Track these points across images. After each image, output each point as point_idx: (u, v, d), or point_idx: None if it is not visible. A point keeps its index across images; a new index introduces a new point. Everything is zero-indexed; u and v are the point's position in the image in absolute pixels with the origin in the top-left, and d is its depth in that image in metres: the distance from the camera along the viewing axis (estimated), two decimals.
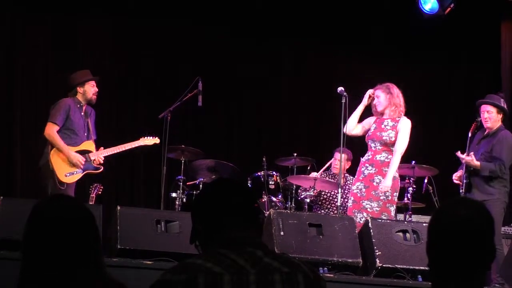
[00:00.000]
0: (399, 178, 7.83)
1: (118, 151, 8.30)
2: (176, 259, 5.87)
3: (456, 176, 8.11)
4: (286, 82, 11.48)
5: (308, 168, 9.59)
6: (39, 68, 10.23)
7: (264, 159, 9.40)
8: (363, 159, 7.90)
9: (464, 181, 7.98)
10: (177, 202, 8.80)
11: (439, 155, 9.93)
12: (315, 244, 6.60)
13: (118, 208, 6.48)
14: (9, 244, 5.73)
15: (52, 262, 2.55)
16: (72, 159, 7.91)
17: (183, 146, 9.07)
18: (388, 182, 7.59)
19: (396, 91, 7.90)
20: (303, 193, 9.15)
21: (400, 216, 9.18)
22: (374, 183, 7.68)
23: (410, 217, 8.83)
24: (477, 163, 7.88)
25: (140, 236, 6.35)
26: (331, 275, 6.30)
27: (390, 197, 7.63)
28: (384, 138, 7.79)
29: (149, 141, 8.47)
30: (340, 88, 7.95)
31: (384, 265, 6.56)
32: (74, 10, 10.34)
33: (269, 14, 11.06)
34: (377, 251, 6.62)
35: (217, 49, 10.96)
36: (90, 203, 8.27)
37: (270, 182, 9.31)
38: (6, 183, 9.78)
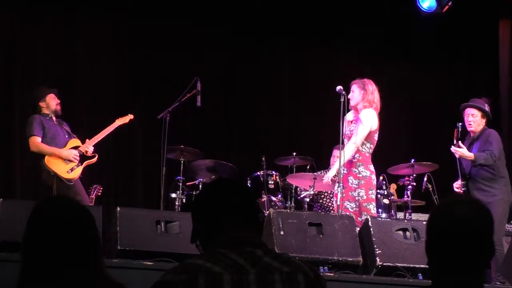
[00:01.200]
0: (372, 175, 7.70)
1: (102, 136, 8.50)
2: (176, 260, 5.87)
3: (457, 185, 8.09)
4: (286, 82, 11.47)
5: (308, 167, 9.58)
6: (39, 68, 10.22)
7: (263, 158, 9.40)
8: None
9: (463, 189, 7.97)
10: (176, 203, 8.81)
11: (439, 154, 9.92)
12: (315, 243, 6.59)
13: (118, 209, 6.46)
14: (9, 246, 5.73)
15: (52, 262, 2.55)
16: (66, 156, 8.13)
17: (182, 146, 9.07)
18: (330, 173, 7.78)
19: (371, 87, 7.83)
20: (302, 193, 9.15)
21: (400, 215, 9.19)
22: (349, 184, 7.67)
23: (410, 215, 8.84)
24: (471, 154, 7.90)
25: (140, 237, 6.34)
26: (332, 274, 6.28)
27: (365, 196, 7.60)
28: (346, 133, 7.80)
29: (124, 119, 8.75)
30: (339, 87, 7.90)
31: (384, 264, 6.56)
32: (74, 10, 10.34)
33: (269, 14, 11.06)
34: (377, 249, 6.61)
35: (216, 49, 10.96)
36: (90, 204, 8.30)
37: (270, 182, 9.31)
38: (5, 185, 9.77)
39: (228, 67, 11.07)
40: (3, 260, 5.46)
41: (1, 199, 6.42)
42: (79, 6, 10.35)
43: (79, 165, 8.17)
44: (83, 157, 8.25)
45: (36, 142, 8.12)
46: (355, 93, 7.85)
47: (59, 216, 2.60)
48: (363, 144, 7.72)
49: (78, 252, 2.58)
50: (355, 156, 7.70)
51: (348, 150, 7.64)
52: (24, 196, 9.22)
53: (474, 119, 8.09)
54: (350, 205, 7.60)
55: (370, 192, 7.65)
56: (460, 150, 7.90)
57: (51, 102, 8.36)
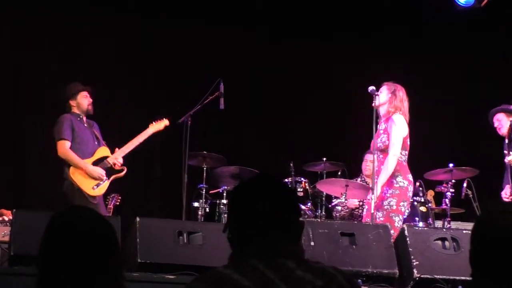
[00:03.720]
0: (409, 186, 7.75)
1: (133, 146, 8.36)
2: (200, 273, 5.84)
3: (506, 194, 8.03)
4: (315, 84, 11.44)
5: (339, 173, 9.54)
6: (45, 71, 10.28)
7: (291, 164, 9.36)
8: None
9: (511, 197, 7.91)
10: (199, 212, 8.80)
11: (479, 157, 9.85)
12: (347, 255, 6.56)
13: (137, 219, 6.44)
14: (22, 259, 5.74)
15: (69, 275, 2.56)
16: (92, 174, 7.97)
17: (204, 152, 9.06)
18: (376, 192, 7.60)
19: (401, 95, 7.87)
20: (334, 200, 9.10)
21: (438, 223, 9.13)
22: (383, 194, 7.70)
23: (449, 224, 8.78)
24: None
25: (161, 249, 6.32)
26: (366, 287, 6.26)
27: (394, 206, 7.64)
28: (379, 145, 7.78)
29: (159, 125, 8.56)
30: (371, 88, 7.86)
31: (422, 276, 6.51)
32: (86, 10, 10.40)
33: (295, 14, 11.06)
34: (414, 261, 6.56)
35: (241, 49, 10.97)
36: (108, 214, 8.29)
37: (299, 189, 9.26)
38: (18, 194, 9.83)
39: (253, 68, 11.06)
40: (16, 274, 5.49)
41: (14, 210, 6.42)
42: (94, 7, 10.41)
43: (105, 181, 8.04)
44: (110, 170, 8.13)
45: (65, 148, 7.95)
46: (383, 94, 7.90)
47: (78, 228, 2.61)
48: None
49: (97, 265, 2.58)
50: None
51: (391, 164, 7.67)
52: (38, 205, 9.26)
53: (500, 124, 8.17)
54: (378, 215, 7.61)
55: (401, 204, 7.68)
56: None
57: (83, 101, 8.19)
